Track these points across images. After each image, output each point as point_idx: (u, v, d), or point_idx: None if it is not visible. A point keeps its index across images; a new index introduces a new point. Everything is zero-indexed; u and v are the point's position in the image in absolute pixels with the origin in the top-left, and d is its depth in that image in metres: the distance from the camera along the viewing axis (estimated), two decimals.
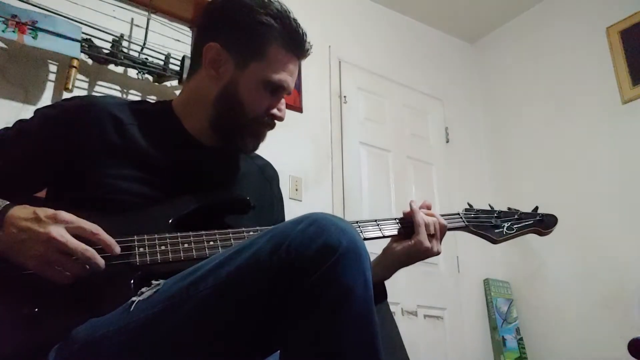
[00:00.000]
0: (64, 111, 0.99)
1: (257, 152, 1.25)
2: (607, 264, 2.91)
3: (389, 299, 2.25)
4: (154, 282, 0.79)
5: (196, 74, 1.07)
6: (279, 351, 0.72)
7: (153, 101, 1.12)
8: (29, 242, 0.77)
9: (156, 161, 0.99)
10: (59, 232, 0.78)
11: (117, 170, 0.94)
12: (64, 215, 0.80)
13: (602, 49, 3.19)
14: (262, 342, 0.73)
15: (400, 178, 3.25)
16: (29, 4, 2.11)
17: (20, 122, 1.00)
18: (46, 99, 2.17)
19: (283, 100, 1.07)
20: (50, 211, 0.80)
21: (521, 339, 3.21)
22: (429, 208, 1.13)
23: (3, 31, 1.97)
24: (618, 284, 2.83)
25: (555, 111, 3.39)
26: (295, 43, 1.04)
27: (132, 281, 0.83)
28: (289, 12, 1.03)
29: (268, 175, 1.23)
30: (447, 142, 3.62)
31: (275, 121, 1.07)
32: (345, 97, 3.19)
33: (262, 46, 1.01)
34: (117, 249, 0.83)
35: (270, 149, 2.84)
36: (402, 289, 2.93)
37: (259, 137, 1.08)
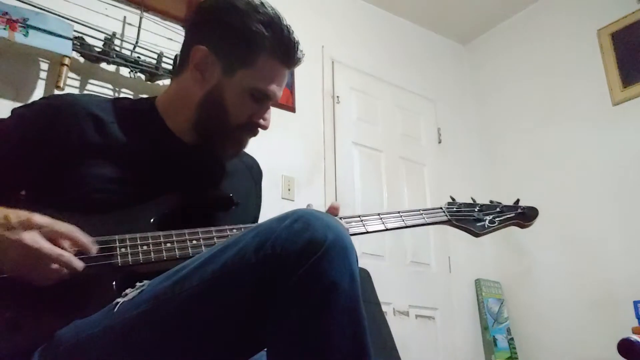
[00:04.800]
0: (41, 111, 0.97)
1: (247, 150, 1.24)
2: (597, 264, 2.93)
3: (380, 299, 2.26)
4: (138, 284, 0.78)
5: (182, 74, 1.04)
6: (266, 349, 0.72)
7: (136, 98, 1.10)
8: (1, 248, 0.75)
9: (138, 160, 0.97)
10: (32, 239, 0.76)
11: (98, 169, 0.92)
12: (37, 219, 0.77)
13: (593, 51, 3.22)
14: (249, 340, 0.73)
15: (392, 178, 3.26)
16: (20, 1, 2.09)
17: None
18: (37, 97, 2.13)
19: (269, 109, 1.04)
20: (23, 215, 0.77)
21: (512, 339, 3.23)
22: (335, 209, 1.07)
23: None
24: (608, 284, 2.85)
25: (546, 112, 3.41)
26: (286, 53, 1.01)
27: (114, 282, 0.82)
28: (282, 20, 1.00)
29: (255, 174, 1.22)
30: (439, 142, 3.63)
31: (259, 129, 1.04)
32: (338, 97, 3.19)
33: (252, 54, 0.98)
34: (94, 249, 0.82)
35: (262, 148, 2.84)
36: (394, 289, 2.94)
37: (241, 144, 1.06)
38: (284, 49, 1.00)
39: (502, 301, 3.35)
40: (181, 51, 1.06)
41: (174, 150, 1.03)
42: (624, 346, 1.52)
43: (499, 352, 3.13)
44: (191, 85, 1.02)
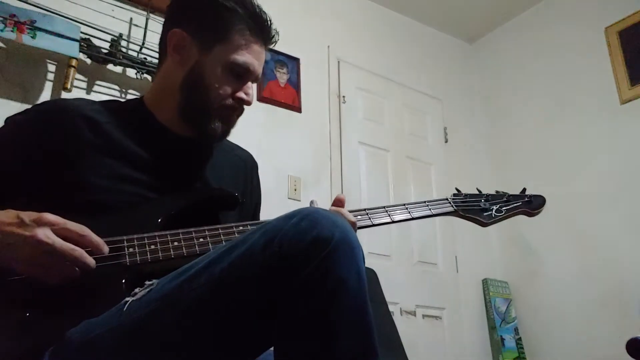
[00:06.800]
0: (36, 117, 0.98)
1: (250, 148, 1.25)
2: (606, 264, 2.91)
3: (387, 299, 2.26)
4: (147, 282, 0.79)
5: (163, 64, 1.07)
6: (273, 347, 0.72)
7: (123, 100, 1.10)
8: (16, 246, 0.76)
9: (136, 157, 0.98)
10: (45, 234, 0.77)
11: (99, 170, 0.93)
12: (49, 217, 0.79)
13: (601, 49, 3.20)
14: (256, 338, 0.73)
15: (399, 178, 3.25)
16: (28, 3, 2.11)
17: None
18: (45, 99, 2.16)
19: (250, 84, 1.05)
20: (34, 214, 0.79)
21: (520, 338, 3.22)
22: (341, 201, 1.07)
23: (2, 30, 1.97)
24: (616, 284, 2.84)
25: (554, 111, 3.40)
26: (259, 27, 1.04)
27: (123, 281, 0.82)
28: None
29: (250, 165, 1.21)
30: (446, 142, 3.62)
31: (244, 106, 1.05)
32: (344, 96, 3.19)
33: (226, 29, 1.01)
34: (106, 248, 0.83)
35: (268, 149, 2.85)
36: (401, 289, 2.94)
37: (229, 122, 1.05)
38: (257, 24, 1.03)
39: (509, 301, 3.34)
40: (159, 43, 1.08)
41: (169, 146, 1.03)
42: (633, 345, 1.52)
43: (506, 352, 3.12)
44: (172, 70, 1.04)
